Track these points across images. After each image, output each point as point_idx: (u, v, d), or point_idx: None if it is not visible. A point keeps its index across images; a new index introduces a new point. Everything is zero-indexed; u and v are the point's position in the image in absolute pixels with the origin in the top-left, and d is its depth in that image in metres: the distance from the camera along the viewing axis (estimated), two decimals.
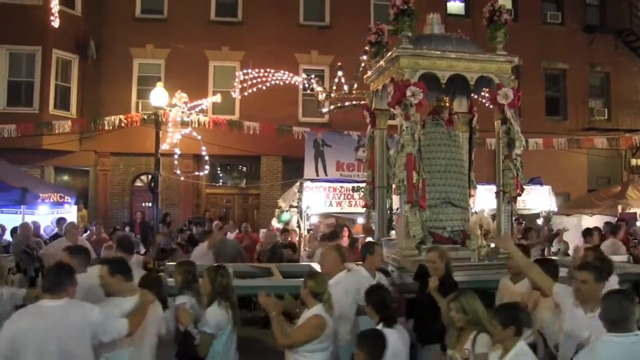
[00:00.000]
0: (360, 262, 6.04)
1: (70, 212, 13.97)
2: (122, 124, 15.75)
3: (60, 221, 11.97)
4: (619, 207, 15.20)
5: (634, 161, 21.45)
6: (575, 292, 4.19)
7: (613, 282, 4.94)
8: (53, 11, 15.60)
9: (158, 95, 14.50)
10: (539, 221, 14.60)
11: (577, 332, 4.07)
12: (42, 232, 12.35)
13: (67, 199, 14.00)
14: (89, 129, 16.35)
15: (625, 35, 22.48)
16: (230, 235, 13.51)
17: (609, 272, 4.84)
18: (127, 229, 15.11)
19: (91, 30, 18.32)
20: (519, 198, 7.63)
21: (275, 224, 13.97)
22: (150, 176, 16.54)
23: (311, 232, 12.18)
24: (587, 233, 10.06)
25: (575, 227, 15.47)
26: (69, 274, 4.15)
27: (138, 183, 19.48)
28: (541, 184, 14.49)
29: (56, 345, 3.86)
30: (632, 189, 16.00)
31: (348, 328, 5.32)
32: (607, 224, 13.57)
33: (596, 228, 11.32)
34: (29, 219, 12.17)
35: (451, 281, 5.43)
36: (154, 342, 4.61)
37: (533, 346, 4.37)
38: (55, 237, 11.06)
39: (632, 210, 15.00)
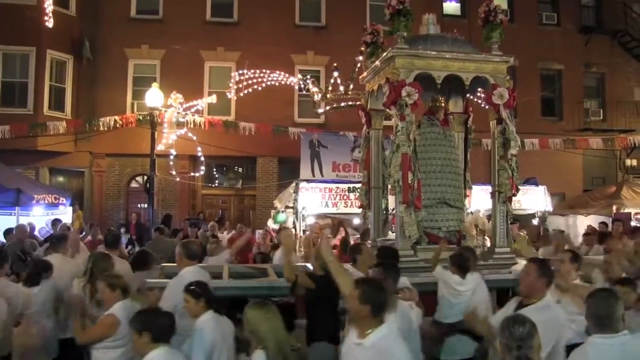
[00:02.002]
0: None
1: (66, 214, 13.92)
2: (118, 125, 15.69)
3: (55, 222, 11.93)
4: (614, 207, 15.23)
5: (628, 161, 21.50)
6: None
7: None
8: (47, 11, 15.49)
9: (153, 96, 14.47)
10: (535, 221, 14.64)
11: None
12: (36, 233, 12.29)
13: (62, 200, 13.95)
14: (84, 129, 16.32)
15: (621, 37, 22.56)
16: (226, 236, 13.51)
17: None
18: (122, 230, 15.07)
19: (86, 30, 18.27)
20: (514, 198, 7.62)
21: (271, 224, 13.97)
22: (145, 177, 16.52)
23: (307, 233, 12.18)
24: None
25: (571, 227, 15.53)
26: None
27: (134, 184, 19.43)
28: (536, 184, 14.52)
29: None
30: (626, 189, 16.06)
31: None
32: (602, 224, 13.64)
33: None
34: (23, 220, 12.10)
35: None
36: None
37: None
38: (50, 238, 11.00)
39: (626, 210, 15.04)
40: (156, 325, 3.83)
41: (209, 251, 9.75)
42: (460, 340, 5.39)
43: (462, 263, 5.67)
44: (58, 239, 7.38)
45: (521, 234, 12.45)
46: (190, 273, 5.25)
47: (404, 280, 4.90)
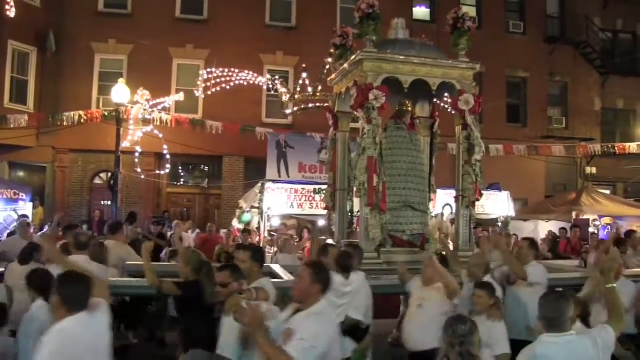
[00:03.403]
0: None
1: (25, 209, 13.63)
2: (82, 120, 15.42)
3: (21, 218, 11.67)
4: (574, 214, 15.60)
5: (588, 169, 22.00)
6: None
7: None
8: (9, 0, 15.12)
9: (120, 92, 14.29)
10: (497, 226, 14.87)
11: None
12: None
13: (22, 196, 13.67)
14: (47, 124, 16.00)
15: (583, 48, 23.10)
16: (191, 236, 13.39)
17: None
18: (85, 227, 14.79)
19: (51, 22, 17.85)
20: (477, 203, 7.74)
21: (236, 224, 13.90)
22: (110, 174, 16.27)
23: (275, 236, 12.15)
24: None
25: (532, 232, 15.83)
26: None
27: (97, 181, 19.11)
28: (500, 190, 14.76)
29: None
30: (586, 196, 16.47)
31: None
32: (562, 229, 13.96)
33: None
34: None
35: None
36: None
37: None
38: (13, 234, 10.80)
39: (585, 217, 15.40)
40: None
41: (279, 248, 9.89)
42: (342, 341, 5.35)
43: (346, 262, 5.50)
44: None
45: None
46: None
47: (262, 281, 4.80)
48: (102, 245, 6.84)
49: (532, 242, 6.59)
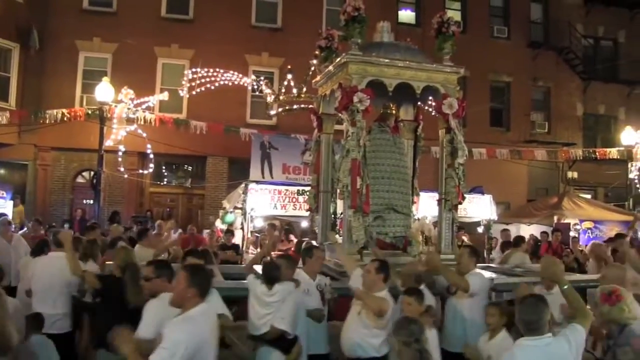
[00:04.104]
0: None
1: (5, 208, 13.50)
2: (65, 118, 15.23)
3: (0, 216, 11.52)
4: (555, 218, 15.75)
5: (570, 173, 22.24)
6: None
7: None
8: None
9: (104, 90, 14.20)
10: (480, 229, 14.98)
11: None
12: None
13: (3, 194, 13.56)
14: (29, 121, 15.79)
15: (566, 54, 23.38)
16: (174, 236, 13.32)
17: None
18: (66, 226, 14.67)
19: (34, 19, 17.70)
20: (460, 206, 7.79)
21: (219, 224, 13.87)
22: (92, 173, 16.13)
23: (259, 236, 12.16)
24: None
25: (514, 235, 15.94)
26: None
27: (80, 179, 18.96)
28: (482, 193, 14.84)
29: None
30: (567, 200, 16.64)
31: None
32: (543, 233, 14.08)
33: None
34: None
35: None
36: None
37: None
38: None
39: (566, 221, 15.56)
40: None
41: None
42: (269, 352, 5.25)
43: (270, 273, 5.38)
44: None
45: (465, 239, 12.79)
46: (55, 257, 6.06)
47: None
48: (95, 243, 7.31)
49: (472, 249, 6.45)
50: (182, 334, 3.52)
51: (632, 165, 18.72)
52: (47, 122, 15.26)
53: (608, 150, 19.78)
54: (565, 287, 4.20)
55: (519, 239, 10.94)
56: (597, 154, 19.84)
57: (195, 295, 3.72)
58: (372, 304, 4.94)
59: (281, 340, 5.20)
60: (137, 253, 7.18)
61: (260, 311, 5.28)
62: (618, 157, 19.34)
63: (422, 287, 5.44)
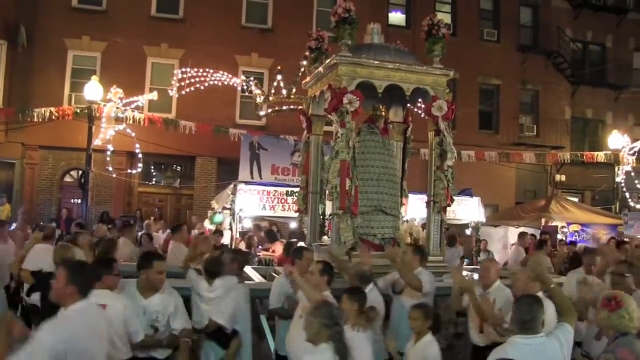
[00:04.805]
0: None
1: None
2: (53, 117, 15.12)
3: None
4: (543, 220, 15.84)
5: (558, 177, 22.39)
6: None
7: None
8: None
9: (92, 89, 14.11)
10: (468, 231, 15.05)
11: None
12: None
13: None
14: (16, 119, 15.65)
15: (554, 58, 23.55)
16: (161, 236, 13.29)
17: None
18: (53, 225, 14.56)
19: (22, 16, 17.56)
20: (449, 208, 7.81)
21: (207, 225, 13.83)
22: (80, 172, 16.03)
23: (247, 236, 12.13)
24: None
25: (502, 238, 16.05)
26: None
27: (68, 178, 18.83)
28: (471, 195, 14.90)
29: None
30: (555, 203, 16.73)
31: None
32: (531, 236, 14.15)
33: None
34: None
35: None
36: None
37: None
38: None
39: (554, 223, 15.65)
40: None
41: (246, 245, 10.29)
42: (210, 346, 5.34)
43: (210, 268, 5.48)
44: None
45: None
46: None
47: None
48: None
49: (416, 247, 6.34)
50: (49, 336, 3.45)
51: (618, 169, 18.89)
52: (35, 120, 15.15)
53: (595, 153, 19.93)
54: (552, 286, 4.25)
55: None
56: (584, 157, 19.98)
57: (74, 292, 3.68)
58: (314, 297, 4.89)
59: (219, 335, 5.27)
60: (171, 248, 7.67)
61: (202, 307, 5.36)
62: (605, 160, 19.50)
63: (371, 286, 5.39)
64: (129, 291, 4.77)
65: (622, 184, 19.01)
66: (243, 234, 12.52)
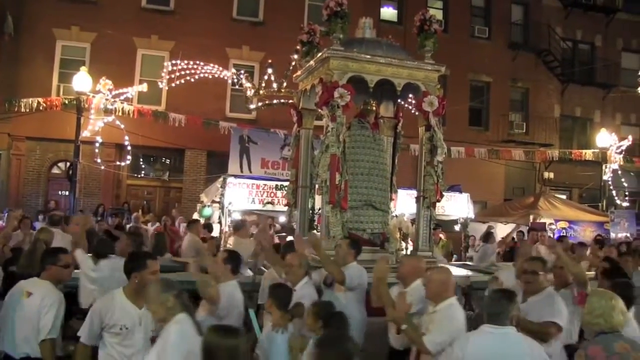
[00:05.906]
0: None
1: None
2: (41, 108, 15.03)
3: None
4: (531, 217, 15.94)
5: (546, 174, 22.54)
6: None
7: None
8: None
9: (81, 80, 14.02)
10: (457, 227, 15.10)
11: None
12: None
13: None
14: (3, 109, 15.49)
15: (544, 56, 23.66)
16: (150, 228, 13.25)
17: None
18: (41, 217, 14.45)
19: (9, 5, 17.34)
20: (438, 204, 7.82)
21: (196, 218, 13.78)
22: (68, 164, 15.91)
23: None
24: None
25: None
26: None
27: (55, 170, 18.66)
28: (460, 192, 14.96)
29: None
30: (543, 200, 16.84)
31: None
32: (519, 232, 14.24)
33: None
34: None
35: None
36: None
37: None
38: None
39: (542, 220, 15.75)
40: None
41: (234, 228, 10.15)
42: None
43: (98, 249, 5.79)
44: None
45: (442, 237, 12.89)
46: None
47: None
48: None
49: (352, 241, 6.08)
50: None
51: (606, 167, 19.05)
52: (23, 110, 15.04)
53: (583, 151, 20.11)
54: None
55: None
56: (572, 155, 20.16)
57: None
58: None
59: None
60: (234, 244, 8.03)
61: (87, 286, 5.44)
62: (593, 158, 19.68)
63: (306, 280, 5.30)
64: (116, 302, 4.18)
65: (609, 182, 19.18)
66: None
